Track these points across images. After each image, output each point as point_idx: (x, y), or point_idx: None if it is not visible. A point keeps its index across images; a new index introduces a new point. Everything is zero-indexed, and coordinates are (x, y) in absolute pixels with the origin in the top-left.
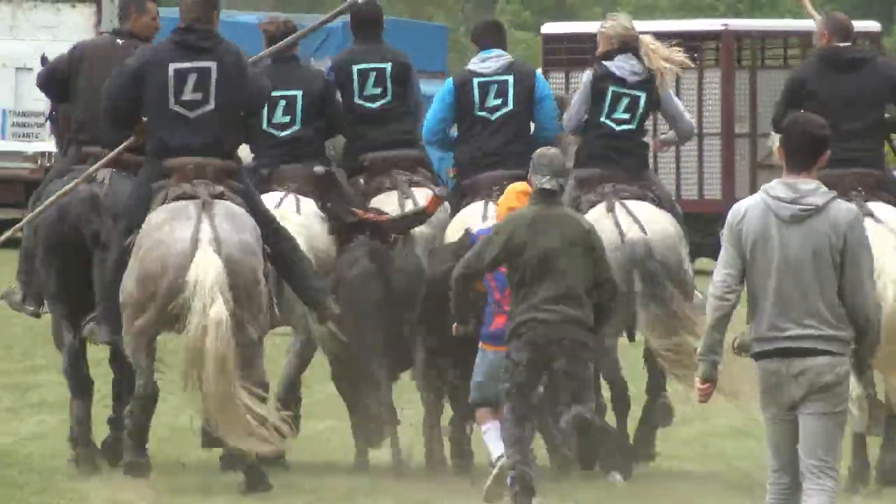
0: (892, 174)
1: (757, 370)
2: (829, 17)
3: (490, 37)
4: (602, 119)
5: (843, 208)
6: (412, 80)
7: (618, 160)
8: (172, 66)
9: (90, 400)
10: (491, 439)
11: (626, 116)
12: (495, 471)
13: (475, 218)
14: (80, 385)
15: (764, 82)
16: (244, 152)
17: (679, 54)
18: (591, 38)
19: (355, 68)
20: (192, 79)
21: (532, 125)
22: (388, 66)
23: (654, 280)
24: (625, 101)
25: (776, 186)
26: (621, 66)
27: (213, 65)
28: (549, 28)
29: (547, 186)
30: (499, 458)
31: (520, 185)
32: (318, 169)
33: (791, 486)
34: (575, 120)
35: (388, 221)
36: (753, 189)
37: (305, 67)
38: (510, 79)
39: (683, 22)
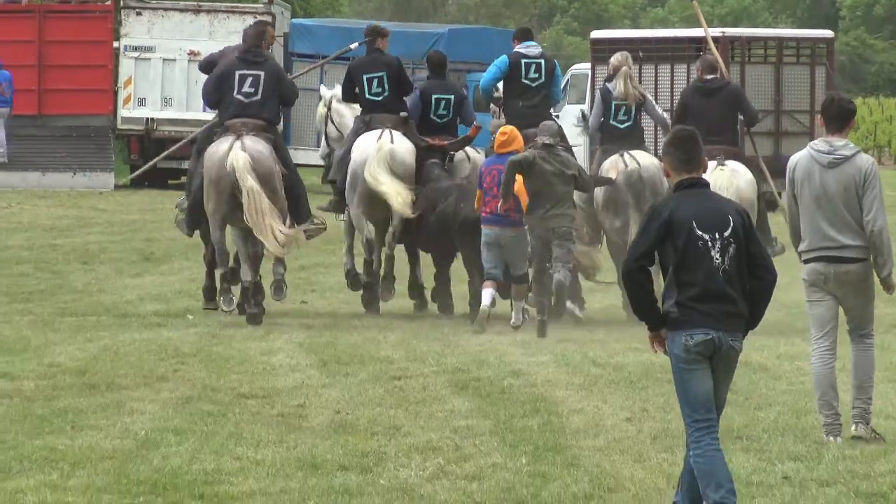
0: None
1: (804, 270)
2: (701, 59)
3: (529, 35)
4: (611, 121)
5: (865, 158)
6: (466, 105)
7: (623, 141)
8: (237, 72)
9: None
10: (486, 296)
11: (625, 118)
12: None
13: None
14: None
15: (750, 74)
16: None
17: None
18: (628, 41)
19: (433, 97)
20: (248, 80)
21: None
22: (452, 96)
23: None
24: (622, 109)
25: (818, 143)
26: (615, 87)
27: (262, 73)
28: (597, 34)
29: (549, 142)
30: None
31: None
32: (403, 114)
33: (830, 348)
34: (595, 122)
35: (447, 145)
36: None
37: (388, 55)
38: (542, 62)
39: (691, 30)
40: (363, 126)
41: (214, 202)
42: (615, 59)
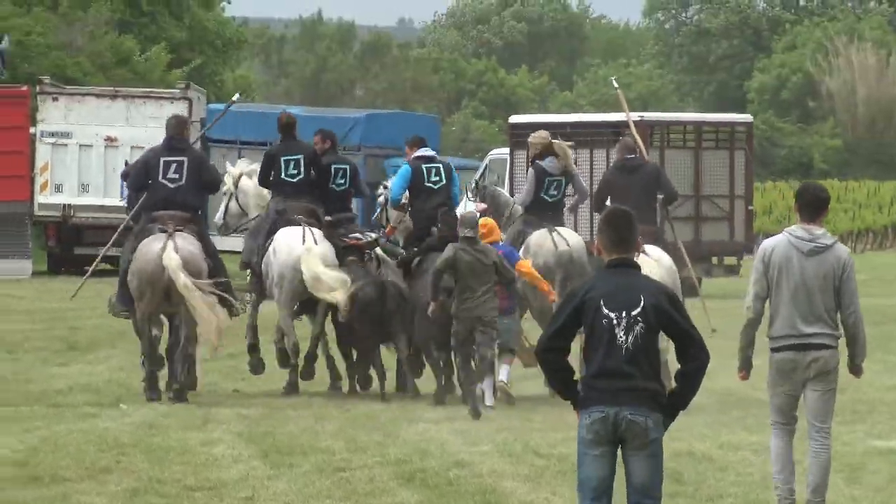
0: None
1: (773, 358)
2: (621, 141)
3: (423, 142)
4: (542, 195)
5: (843, 248)
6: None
7: (552, 215)
8: (162, 159)
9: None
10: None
11: (555, 193)
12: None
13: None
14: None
15: (669, 158)
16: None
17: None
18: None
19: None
20: (173, 166)
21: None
22: (346, 167)
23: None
24: (554, 184)
25: (796, 230)
26: (549, 164)
27: (185, 159)
28: (516, 119)
29: (469, 234)
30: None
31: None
32: (315, 208)
33: (790, 431)
34: (527, 197)
35: (363, 244)
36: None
37: (305, 142)
38: (441, 165)
39: (608, 115)
40: (278, 217)
41: (147, 298)
42: (540, 136)
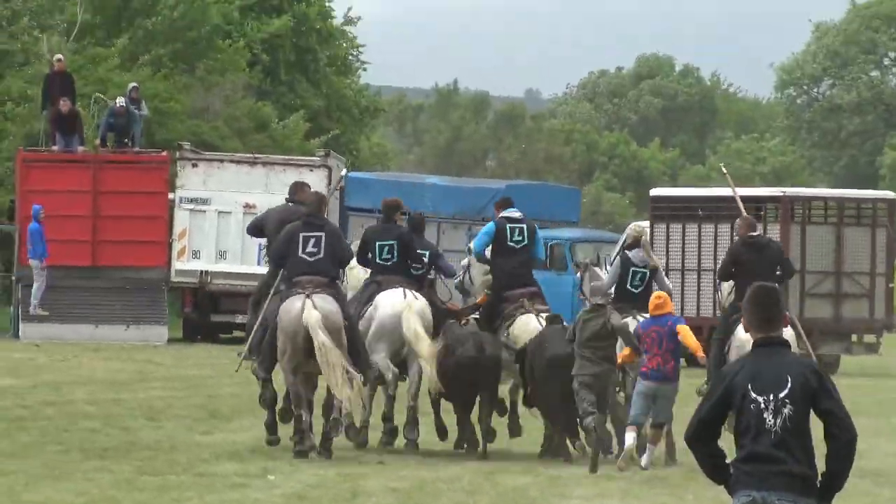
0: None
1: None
2: (743, 219)
3: (511, 203)
4: (627, 287)
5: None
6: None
7: (637, 302)
8: (302, 234)
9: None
10: (629, 440)
11: (639, 283)
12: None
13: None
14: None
15: (810, 234)
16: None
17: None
18: (686, 199)
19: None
20: (311, 241)
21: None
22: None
23: None
24: (638, 275)
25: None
26: (636, 255)
27: (322, 234)
28: (657, 192)
29: (601, 302)
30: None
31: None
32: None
33: None
34: (609, 285)
35: (460, 311)
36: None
37: (401, 227)
38: (524, 226)
39: (750, 189)
40: (376, 286)
41: (290, 353)
42: (634, 229)
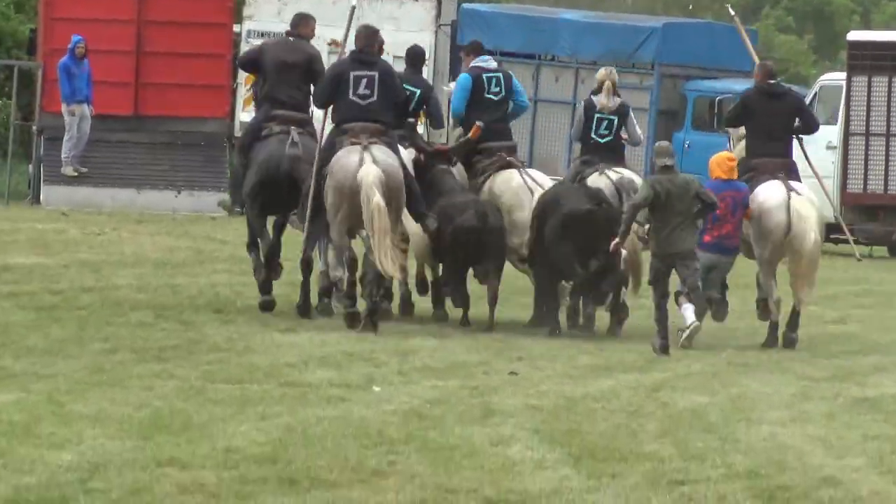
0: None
1: None
2: (761, 64)
3: (482, 49)
4: (592, 135)
5: None
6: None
7: (605, 153)
8: (352, 73)
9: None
10: (688, 311)
11: (605, 132)
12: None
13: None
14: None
15: None
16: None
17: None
18: (890, 45)
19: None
20: (364, 82)
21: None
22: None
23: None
24: (604, 123)
25: None
26: (600, 100)
27: (375, 74)
28: (855, 35)
29: (669, 164)
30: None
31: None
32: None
33: None
34: (575, 136)
35: (450, 149)
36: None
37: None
38: (501, 75)
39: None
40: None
41: (345, 213)
42: (600, 73)
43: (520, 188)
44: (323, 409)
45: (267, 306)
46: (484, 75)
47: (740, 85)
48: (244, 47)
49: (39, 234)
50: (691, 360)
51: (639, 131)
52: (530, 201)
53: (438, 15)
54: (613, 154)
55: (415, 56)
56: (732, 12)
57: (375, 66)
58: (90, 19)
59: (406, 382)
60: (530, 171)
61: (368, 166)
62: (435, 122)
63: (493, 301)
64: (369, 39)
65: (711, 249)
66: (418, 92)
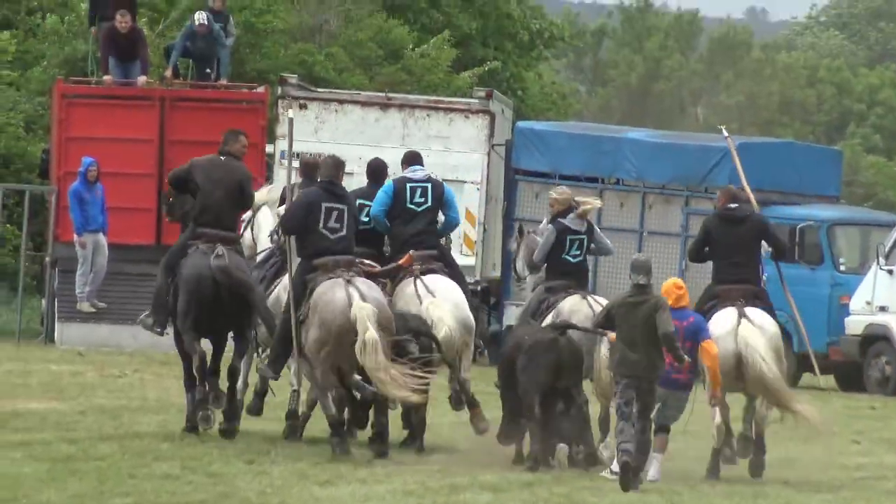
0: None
1: None
2: (723, 190)
3: (418, 159)
4: (564, 256)
5: None
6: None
7: (575, 276)
8: (324, 205)
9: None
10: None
11: (577, 252)
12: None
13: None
14: (192, 380)
15: None
16: None
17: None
18: None
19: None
20: (334, 215)
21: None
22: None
23: None
24: (576, 243)
25: None
26: (571, 221)
27: (345, 208)
28: None
29: (642, 283)
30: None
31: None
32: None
33: None
34: (541, 257)
35: (378, 272)
36: None
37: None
38: (429, 185)
39: None
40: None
41: (332, 348)
42: (559, 193)
43: (410, 297)
44: None
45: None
46: (408, 185)
47: (824, 211)
48: (276, 171)
49: (54, 377)
50: None
51: (607, 241)
52: (418, 309)
53: (491, 134)
54: (583, 276)
55: (376, 169)
56: (725, 133)
57: (345, 199)
58: (108, 139)
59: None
60: (426, 278)
61: (359, 302)
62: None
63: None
64: (337, 169)
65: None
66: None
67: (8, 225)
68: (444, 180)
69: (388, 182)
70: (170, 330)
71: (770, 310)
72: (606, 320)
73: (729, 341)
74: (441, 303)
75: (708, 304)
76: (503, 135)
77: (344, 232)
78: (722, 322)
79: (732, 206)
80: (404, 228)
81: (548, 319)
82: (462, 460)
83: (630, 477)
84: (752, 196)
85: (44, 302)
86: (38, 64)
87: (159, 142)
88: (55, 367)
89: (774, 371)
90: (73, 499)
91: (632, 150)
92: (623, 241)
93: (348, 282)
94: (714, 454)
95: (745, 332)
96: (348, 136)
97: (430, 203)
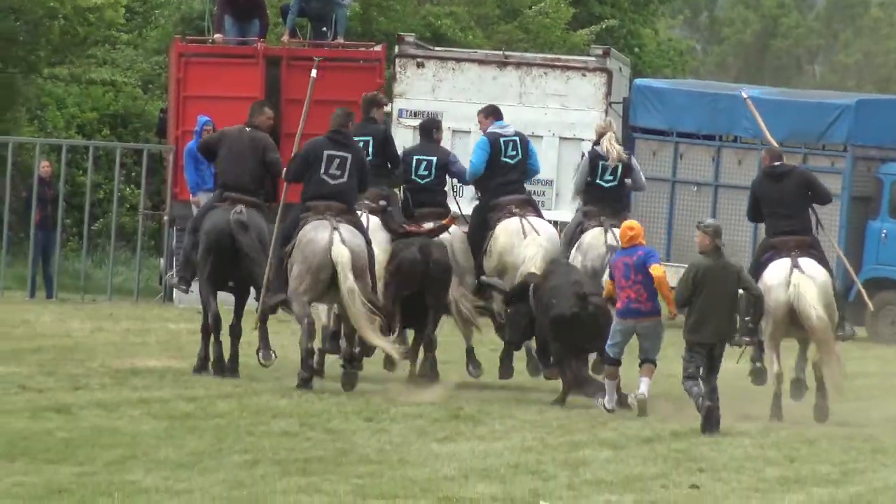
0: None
1: None
2: (766, 150)
3: (500, 114)
4: (598, 181)
5: None
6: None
7: (608, 202)
8: (326, 153)
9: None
10: (610, 388)
11: (611, 178)
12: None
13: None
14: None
15: None
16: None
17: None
18: None
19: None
20: (336, 162)
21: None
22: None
23: None
24: (609, 169)
25: None
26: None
27: (349, 156)
28: None
29: (719, 245)
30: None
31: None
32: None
33: None
34: (580, 185)
35: (425, 231)
36: None
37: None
38: (517, 139)
39: None
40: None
41: (309, 285)
42: (598, 125)
43: (515, 232)
44: None
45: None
46: (501, 139)
47: None
48: (394, 129)
49: (171, 336)
50: (889, 472)
51: (642, 177)
52: (521, 244)
53: (609, 92)
54: (617, 201)
55: (426, 128)
56: (744, 95)
57: (349, 147)
58: (225, 97)
59: (576, 497)
60: (531, 218)
61: (339, 247)
62: (459, 179)
63: (428, 345)
64: (344, 119)
65: (621, 315)
66: (435, 160)
67: (126, 184)
68: (561, 138)
69: (483, 138)
70: (195, 287)
71: (822, 259)
72: (693, 285)
73: (781, 291)
74: (542, 241)
75: (765, 256)
76: (620, 92)
77: (345, 179)
78: (775, 273)
79: (776, 164)
80: (500, 179)
81: (573, 253)
82: (581, 417)
83: (713, 422)
84: (771, 139)
85: (162, 261)
86: (155, 22)
87: (277, 100)
88: (173, 326)
89: (823, 319)
90: (192, 456)
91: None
92: (741, 198)
93: (334, 227)
94: (775, 398)
95: (797, 280)
96: (465, 94)
97: (520, 156)
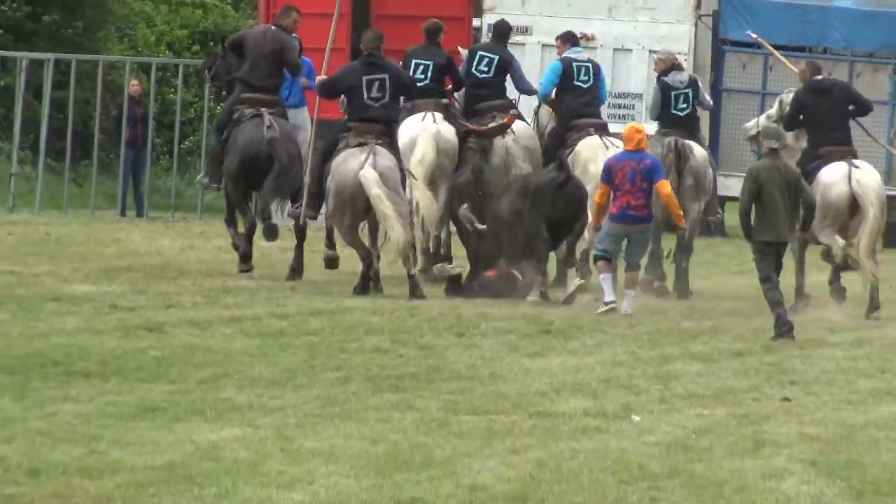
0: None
1: None
2: (806, 63)
3: (576, 40)
4: (672, 111)
5: None
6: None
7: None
8: (364, 78)
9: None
10: (606, 283)
11: (684, 105)
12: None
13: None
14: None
15: None
16: None
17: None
18: None
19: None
20: (375, 85)
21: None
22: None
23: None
24: (681, 97)
25: None
26: (673, 77)
27: (386, 76)
28: None
29: (775, 146)
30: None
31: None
32: (443, 101)
33: None
34: (654, 114)
35: (486, 130)
36: None
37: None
38: (590, 65)
39: None
40: (405, 113)
41: (350, 215)
42: (664, 54)
43: (598, 146)
44: (577, 442)
45: (246, 272)
46: (574, 64)
47: None
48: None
49: (263, 253)
50: None
51: (708, 97)
52: (605, 155)
53: (698, 5)
54: (693, 125)
55: (500, 29)
56: (754, 35)
57: (384, 68)
58: (309, 13)
59: (668, 411)
60: (606, 137)
61: (366, 170)
62: (521, 89)
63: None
64: (376, 41)
65: (616, 220)
66: (497, 58)
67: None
68: (650, 52)
69: (556, 62)
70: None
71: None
72: (756, 185)
73: (843, 185)
74: None
75: (812, 165)
76: (710, 5)
77: (387, 99)
78: (834, 171)
79: (819, 77)
80: (574, 101)
81: (570, 159)
82: (672, 331)
83: (789, 331)
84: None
85: None
86: None
87: (363, 17)
88: (265, 244)
89: (879, 219)
90: (284, 373)
91: (839, 19)
92: None
93: (371, 152)
94: (833, 272)
95: (859, 175)
96: (554, 8)
97: (592, 80)
